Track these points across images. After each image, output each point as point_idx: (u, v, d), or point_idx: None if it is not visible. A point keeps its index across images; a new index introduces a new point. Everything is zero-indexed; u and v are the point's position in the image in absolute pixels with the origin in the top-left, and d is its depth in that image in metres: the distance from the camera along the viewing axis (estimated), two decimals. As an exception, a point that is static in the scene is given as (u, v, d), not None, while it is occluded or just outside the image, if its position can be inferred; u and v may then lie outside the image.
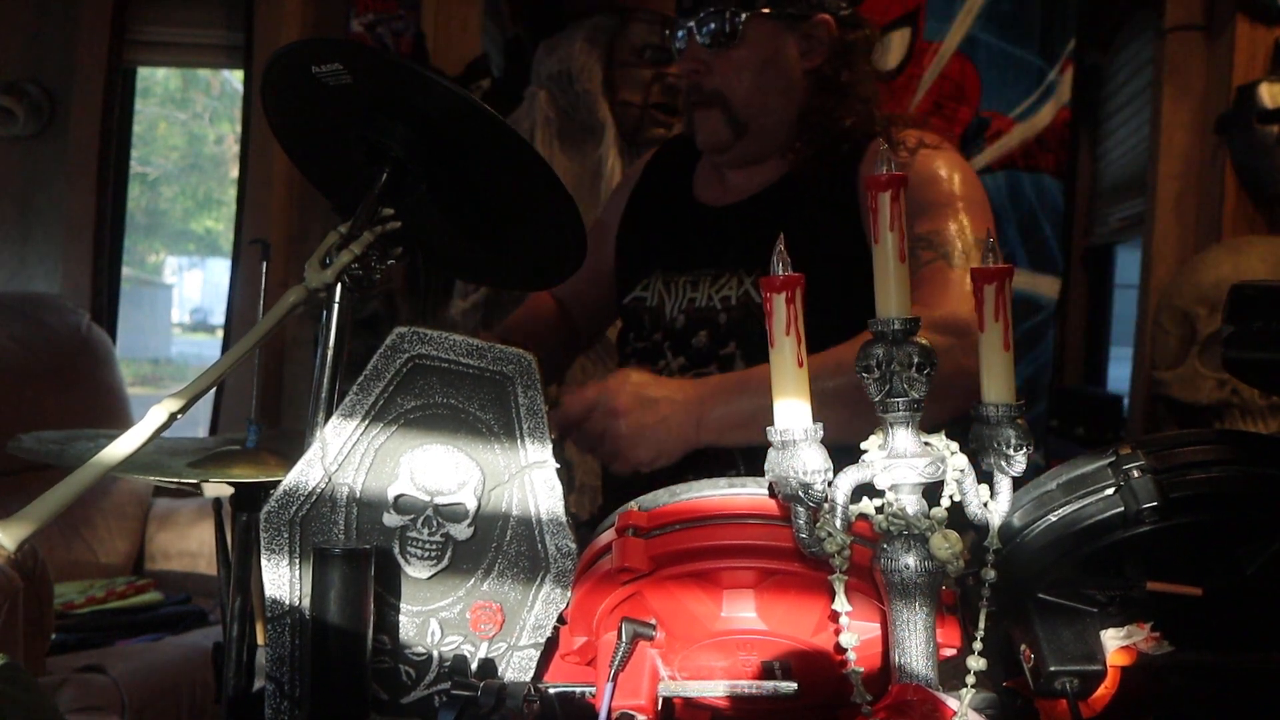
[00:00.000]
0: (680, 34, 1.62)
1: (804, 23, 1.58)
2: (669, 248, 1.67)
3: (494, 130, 0.97)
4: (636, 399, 1.31)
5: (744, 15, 1.55)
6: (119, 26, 3.28)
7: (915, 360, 0.74)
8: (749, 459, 1.42)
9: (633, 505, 0.84)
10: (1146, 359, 3.09)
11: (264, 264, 1.26)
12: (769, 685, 0.81)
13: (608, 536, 0.84)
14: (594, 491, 2.50)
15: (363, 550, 0.81)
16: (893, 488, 0.76)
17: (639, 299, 1.66)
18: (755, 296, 1.52)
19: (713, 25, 1.56)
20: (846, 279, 1.22)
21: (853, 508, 0.76)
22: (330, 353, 0.93)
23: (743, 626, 0.82)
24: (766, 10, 1.56)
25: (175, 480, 1.00)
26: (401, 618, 0.86)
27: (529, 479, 0.86)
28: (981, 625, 0.77)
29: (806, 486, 0.74)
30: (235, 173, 3.52)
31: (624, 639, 0.81)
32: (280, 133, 1.08)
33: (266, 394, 3.16)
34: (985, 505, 0.78)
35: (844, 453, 0.78)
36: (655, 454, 1.32)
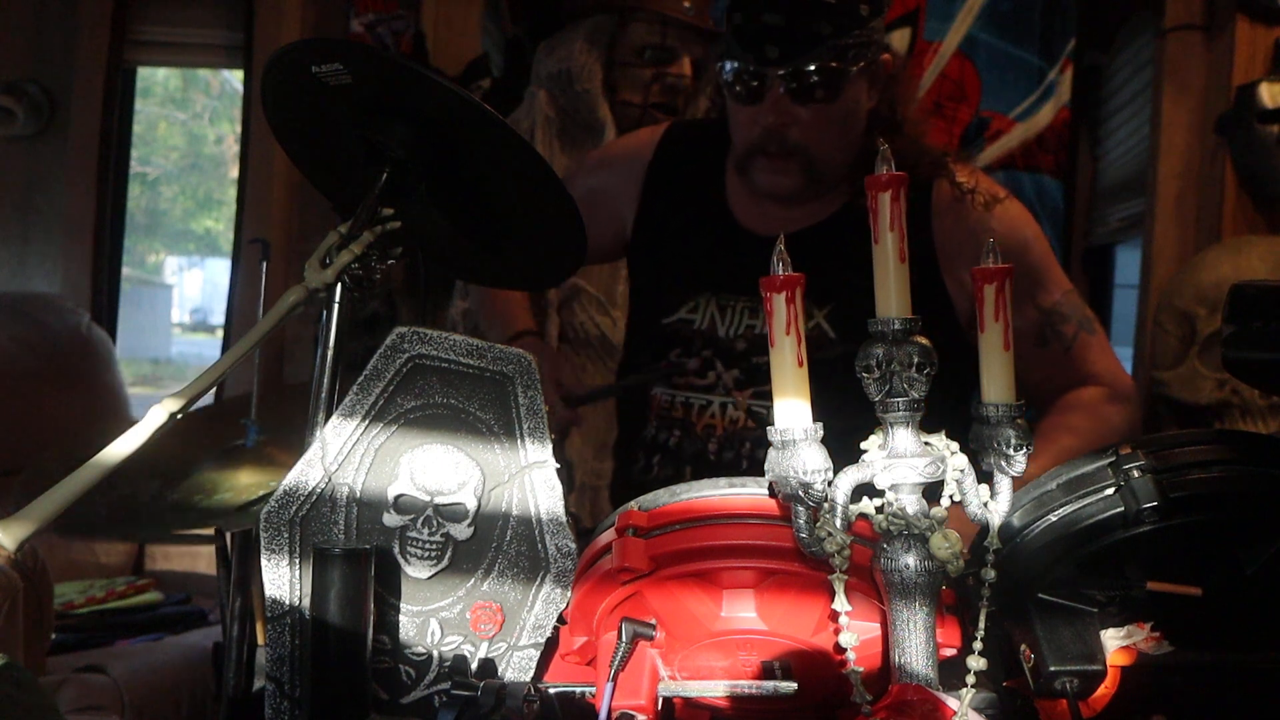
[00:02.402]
0: (753, 80, 1.51)
1: (873, 66, 1.56)
2: (716, 272, 1.65)
3: (494, 130, 0.97)
4: None
5: (849, 72, 1.50)
6: (119, 26, 3.28)
7: (915, 360, 0.74)
8: None
9: (633, 505, 0.84)
10: (1146, 359, 3.09)
11: (264, 264, 1.26)
12: (769, 685, 0.81)
13: (608, 536, 0.84)
14: (594, 491, 2.50)
15: (363, 550, 0.81)
16: (893, 488, 0.76)
17: (685, 321, 1.65)
18: (828, 331, 1.54)
19: (812, 83, 1.49)
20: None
21: (853, 508, 0.76)
22: (330, 353, 0.93)
23: (743, 626, 0.82)
24: (860, 65, 1.52)
25: (189, 531, 1.00)
26: (401, 618, 0.86)
27: (529, 479, 0.86)
28: (981, 625, 0.77)
29: (806, 486, 0.74)
30: (235, 173, 3.52)
31: (624, 639, 0.81)
32: (280, 133, 1.08)
33: (266, 393, 3.15)
34: (985, 505, 0.78)
35: (844, 453, 0.78)
36: None
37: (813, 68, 1.49)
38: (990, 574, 0.77)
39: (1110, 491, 0.82)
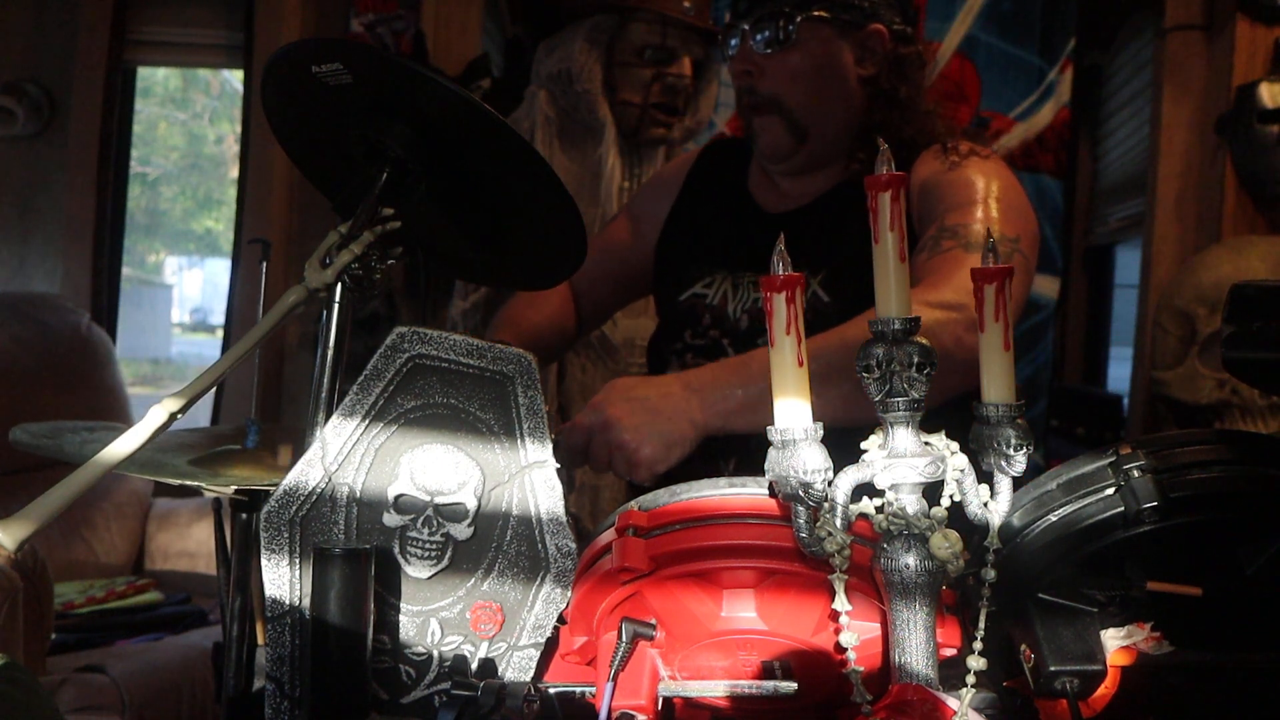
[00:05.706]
0: (734, 40, 1.64)
1: (858, 31, 1.61)
2: (732, 249, 1.68)
3: (494, 130, 0.97)
4: (627, 402, 1.28)
5: (798, 18, 1.58)
6: (119, 26, 3.28)
7: (915, 360, 0.74)
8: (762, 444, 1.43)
9: (633, 505, 0.84)
10: (1146, 359, 3.09)
11: (263, 264, 1.26)
12: (769, 685, 0.81)
13: (608, 536, 0.84)
14: (594, 491, 2.50)
15: (363, 550, 0.81)
16: (893, 487, 0.76)
17: (699, 296, 1.67)
18: (823, 296, 1.54)
19: (767, 28, 1.59)
20: None
21: (853, 507, 0.76)
22: (330, 353, 0.93)
23: (743, 626, 0.82)
24: (820, 14, 1.58)
25: (179, 481, 1.00)
26: (401, 618, 0.86)
27: (529, 479, 0.86)
28: (981, 625, 0.77)
29: (806, 486, 0.74)
30: (235, 173, 3.52)
31: (624, 639, 0.81)
32: (280, 133, 1.08)
33: (266, 393, 3.16)
34: (985, 505, 0.78)
35: (844, 452, 0.78)
36: (664, 448, 1.27)
37: (765, 14, 1.59)
38: (990, 574, 0.77)
39: (1110, 491, 0.82)
